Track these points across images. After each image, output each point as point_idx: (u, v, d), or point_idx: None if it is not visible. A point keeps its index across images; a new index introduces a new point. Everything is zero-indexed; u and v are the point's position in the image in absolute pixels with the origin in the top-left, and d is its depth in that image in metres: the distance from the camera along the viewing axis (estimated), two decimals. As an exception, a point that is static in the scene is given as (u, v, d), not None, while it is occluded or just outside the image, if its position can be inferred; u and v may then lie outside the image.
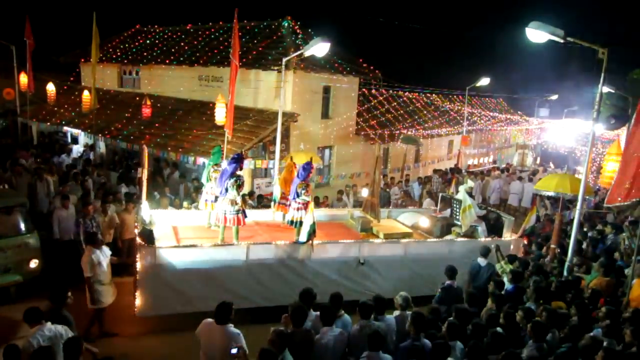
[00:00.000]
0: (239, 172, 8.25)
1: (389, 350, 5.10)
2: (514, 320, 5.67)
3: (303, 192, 8.48)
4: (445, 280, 7.13)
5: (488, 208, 11.55)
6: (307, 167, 8.65)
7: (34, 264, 8.22)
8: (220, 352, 4.79)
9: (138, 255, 7.24)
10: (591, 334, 5.35)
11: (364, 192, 10.82)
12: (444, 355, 4.62)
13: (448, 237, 9.94)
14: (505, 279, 7.36)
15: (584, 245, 9.88)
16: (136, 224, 8.45)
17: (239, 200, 8.20)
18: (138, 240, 7.44)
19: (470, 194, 10.24)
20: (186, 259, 7.49)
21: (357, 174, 16.67)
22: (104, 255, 7.17)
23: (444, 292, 6.94)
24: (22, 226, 8.26)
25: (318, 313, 5.32)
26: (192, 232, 8.99)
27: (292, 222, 8.64)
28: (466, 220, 9.74)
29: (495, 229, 10.39)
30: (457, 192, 10.78)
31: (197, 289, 7.51)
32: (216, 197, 8.94)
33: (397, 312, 5.89)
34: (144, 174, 8.72)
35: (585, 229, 11.23)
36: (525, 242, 10.30)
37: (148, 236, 7.51)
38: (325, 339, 5.05)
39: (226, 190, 8.13)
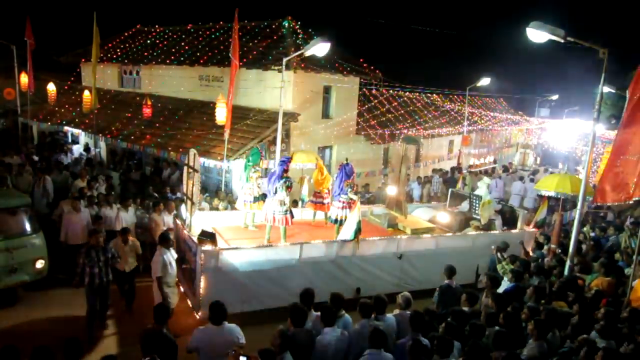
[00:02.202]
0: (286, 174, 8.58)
1: (389, 349, 5.08)
2: (515, 319, 5.65)
3: (349, 190, 9.09)
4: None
5: (502, 202, 11.95)
6: (349, 166, 9.39)
7: (40, 264, 8.18)
8: (227, 348, 4.83)
9: (200, 257, 7.30)
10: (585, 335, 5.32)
11: (390, 190, 11.35)
12: (447, 350, 4.65)
13: (467, 230, 10.40)
14: (506, 279, 7.34)
15: (584, 245, 9.85)
16: (185, 227, 8.63)
17: (287, 201, 8.47)
18: (203, 243, 7.53)
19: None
20: (245, 259, 7.67)
21: (358, 174, 16.66)
22: (173, 257, 7.20)
23: (442, 292, 6.91)
24: (28, 226, 8.21)
25: (319, 313, 5.31)
26: (232, 232, 9.21)
27: (336, 220, 9.06)
28: (485, 214, 10.34)
29: (510, 222, 10.95)
30: (464, 188, 11.05)
31: (257, 288, 7.73)
32: (255, 198, 9.15)
33: (396, 312, 5.88)
34: (195, 177, 8.61)
35: (586, 229, 11.23)
36: (537, 231, 10.75)
37: (212, 238, 7.64)
38: (327, 339, 5.04)
39: (275, 191, 8.40)
